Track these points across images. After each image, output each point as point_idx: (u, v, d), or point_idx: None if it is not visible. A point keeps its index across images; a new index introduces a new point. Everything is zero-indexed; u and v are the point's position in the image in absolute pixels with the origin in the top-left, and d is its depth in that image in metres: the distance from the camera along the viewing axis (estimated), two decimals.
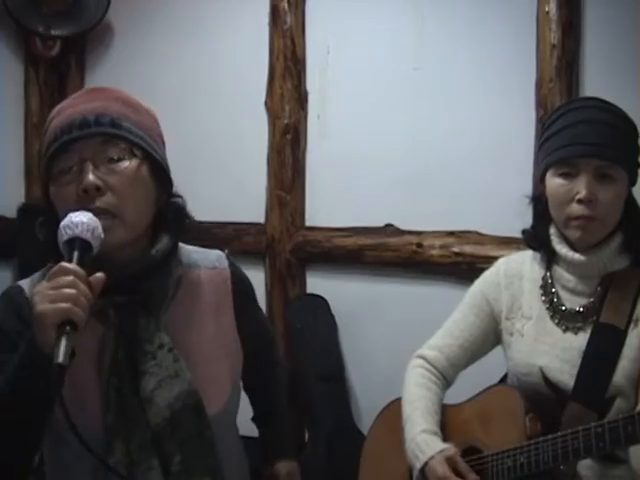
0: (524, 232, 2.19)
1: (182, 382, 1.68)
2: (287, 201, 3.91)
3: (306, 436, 3.74)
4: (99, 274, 1.49)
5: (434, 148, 3.62)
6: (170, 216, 1.77)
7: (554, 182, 2.03)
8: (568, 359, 2.04)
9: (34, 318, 1.43)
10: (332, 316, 3.84)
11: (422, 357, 2.31)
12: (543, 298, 2.13)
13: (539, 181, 2.13)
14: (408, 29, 3.67)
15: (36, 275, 1.79)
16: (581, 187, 1.98)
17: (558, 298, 2.10)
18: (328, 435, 3.60)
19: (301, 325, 3.81)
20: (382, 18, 3.72)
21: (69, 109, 1.68)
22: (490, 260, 2.37)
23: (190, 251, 1.87)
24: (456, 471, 2.04)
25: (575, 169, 2.00)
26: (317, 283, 3.94)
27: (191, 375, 1.69)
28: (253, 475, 1.97)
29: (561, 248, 2.07)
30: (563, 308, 2.09)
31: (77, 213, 1.54)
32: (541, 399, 2.07)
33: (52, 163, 1.66)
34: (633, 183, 2.07)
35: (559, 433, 1.93)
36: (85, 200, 1.60)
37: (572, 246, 2.06)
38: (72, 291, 1.42)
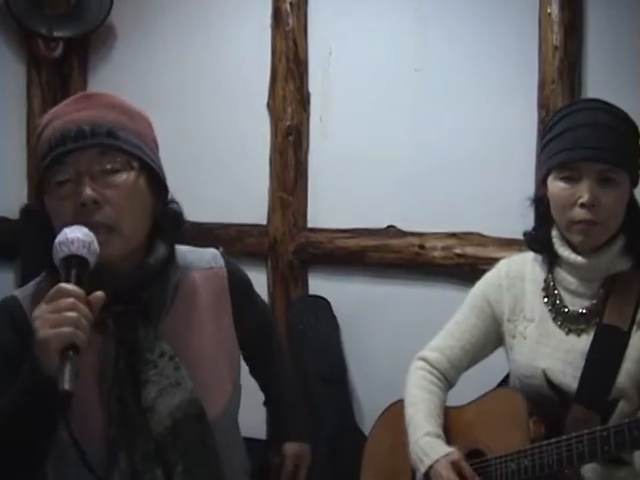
0: (525, 234, 2.19)
1: (183, 391, 1.67)
2: (289, 202, 3.91)
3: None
4: (98, 293, 1.47)
5: (436, 149, 3.62)
6: (166, 223, 1.75)
7: (556, 186, 2.03)
8: (571, 361, 2.03)
9: (36, 343, 1.41)
10: (334, 317, 3.84)
11: (424, 359, 2.31)
12: (545, 300, 2.13)
13: (540, 183, 2.12)
14: (410, 30, 3.67)
15: (31, 284, 1.78)
16: (583, 191, 1.97)
17: (560, 300, 2.10)
18: (330, 436, 3.60)
19: (303, 326, 3.81)
20: (384, 20, 3.73)
21: (63, 118, 1.65)
22: (492, 261, 2.37)
23: (185, 252, 1.84)
24: (461, 475, 2.03)
25: (577, 173, 1.99)
26: (319, 284, 3.94)
27: (192, 383, 1.69)
28: (254, 477, 1.97)
29: (563, 251, 2.06)
30: (566, 310, 2.08)
31: (72, 228, 1.52)
32: (544, 401, 2.06)
33: (47, 173, 1.63)
34: (635, 185, 2.06)
35: (563, 437, 1.93)
36: (83, 214, 1.59)
37: (574, 249, 2.05)
38: (73, 314, 1.41)
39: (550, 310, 2.11)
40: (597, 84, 3.30)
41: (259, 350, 2.00)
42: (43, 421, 1.50)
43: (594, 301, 2.05)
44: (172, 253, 1.76)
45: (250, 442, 1.95)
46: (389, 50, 3.72)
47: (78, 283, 1.46)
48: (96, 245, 1.52)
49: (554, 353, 2.07)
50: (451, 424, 2.22)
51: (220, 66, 4.07)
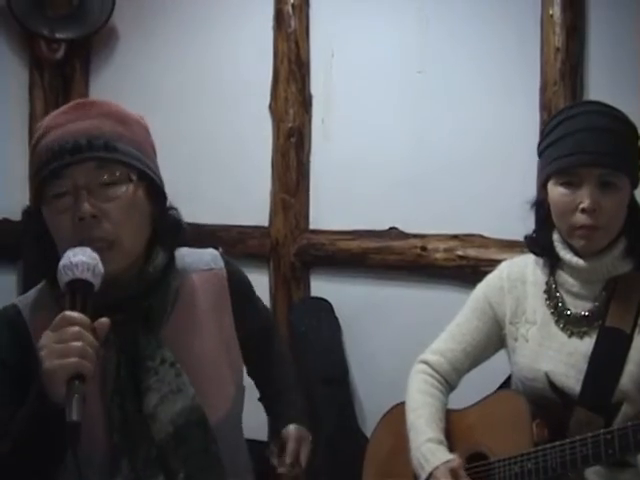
0: (526, 238, 2.18)
1: (185, 397, 1.67)
2: (291, 204, 3.91)
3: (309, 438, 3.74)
4: (104, 320, 1.47)
5: (438, 151, 3.62)
6: (166, 231, 1.74)
7: (556, 191, 2.02)
8: (573, 364, 2.03)
9: (43, 373, 1.41)
10: (336, 319, 3.84)
11: (425, 362, 2.31)
12: (547, 303, 2.13)
13: (540, 188, 2.12)
14: (412, 32, 3.67)
15: (32, 292, 1.77)
16: (584, 197, 1.96)
17: (562, 303, 2.10)
18: (331, 437, 3.59)
19: (305, 328, 3.81)
20: (386, 22, 3.73)
21: (59, 129, 1.62)
22: (494, 263, 2.37)
23: (183, 254, 1.83)
24: None
25: (577, 178, 1.98)
26: (321, 286, 3.94)
27: (194, 389, 1.68)
28: (258, 477, 1.97)
29: (565, 254, 2.06)
30: (568, 313, 2.08)
31: (75, 251, 1.51)
32: (546, 404, 2.06)
33: (44, 186, 1.61)
34: (635, 186, 2.06)
35: (567, 440, 1.93)
36: (81, 228, 1.58)
37: (576, 252, 2.05)
38: (78, 344, 1.40)
39: (552, 313, 2.11)
40: (599, 86, 3.30)
41: (258, 351, 1.99)
42: (50, 447, 1.50)
43: (596, 303, 2.05)
44: (172, 259, 1.75)
45: (252, 444, 1.95)
46: (391, 52, 3.72)
47: (83, 308, 1.46)
48: (101, 267, 1.52)
49: (557, 356, 2.07)
50: (453, 427, 2.22)
51: (222, 68, 4.07)
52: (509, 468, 2.03)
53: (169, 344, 1.70)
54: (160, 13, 4.22)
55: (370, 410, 3.69)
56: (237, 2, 4.05)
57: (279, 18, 3.91)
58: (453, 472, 2.03)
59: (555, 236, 2.09)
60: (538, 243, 2.15)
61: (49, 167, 1.59)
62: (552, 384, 2.06)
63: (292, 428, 1.96)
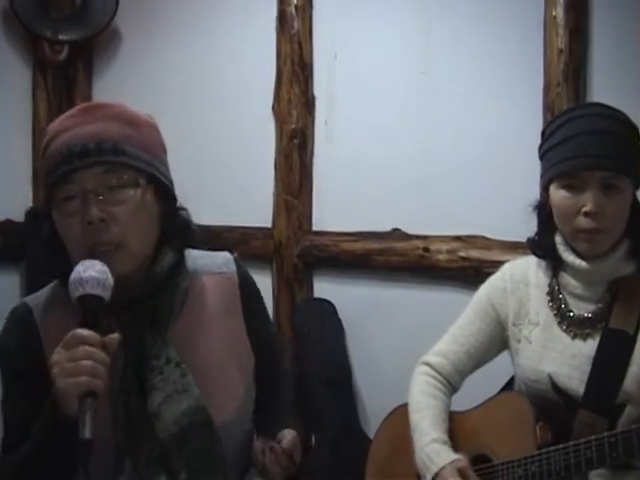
0: (529, 240, 2.18)
1: (190, 398, 1.67)
2: (294, 205, 3.91)
3: (312, 440, 3.73)
4: (114, 335, 1.50)
5: (441, 152, 3.62)
6: (174, 232, 1.75)
7: (559, 195, 2.02)
8: (577, 365, 2.03)
9: (55, 391, 1.45)
10: (339, 320, 3.84)
11: (427, 364, 2.31)
12: (550, 304, 2.13)
13: (542, 190, 2.12)
14: (416, 33, 3.67)
15: (44, 291, 1.79)
16: (587, 200, 1.96)
17: (565, 304, 2.10)
18: (334, 439, 3.59)
19: (308, 329, 3.80)
20: (389, 23, 3.72)
21: (67, 132, 1.63)
22: (497, 265, 2.37)
23: (195, 257, 1.84)
24: None
25: (579, 182, 1.98)
26: (324, 287, 3.94)
27: (199, 389, 1.68)
28: None
29: (567, 256, 2.06)
30: (571, 315, 2.08)
31: (86, 265, 1.54)
32: (550, 405, 2.06)
33: (53, 189, 1.63)
34: (637, 187, 2.06)
35: (571, 442, 1.93)
36: (90, 232, 1.60)
37: (578, 254, 2.05)
38: (89, 363, 1.44)
39: (555, 315, 2.11)
40: (602, 87, 3.30)
41: (260, 362, 1.96)
42: (63, 459, 1.53)
43: (599, 305, 2.05)
44: (181, 260, 1.76)
45: None
46: (395, 53, 3.72)
47: (94, 323, 1.49)
48: (111, 280, 1.54)
49: (560, 357, 2.06)
50: (456, 429, 2.22)
51: (225, 69, 4.07)
52: (513, 471, 2.03)
53: (176, 344, 1.70)
54: (163, 15, 4.22)
55: (373, 411, 3.68)
56: (240, 3, 4.05)
57: (282, 19, 3.91)
58: (461, 471, 2.03)
59: (558, 238, 2.08)
60: (541, 245, 2.14)
61: (58, 171, 1.61)
62: (555, 386, 2.06)
63: (287, 432, 1.95)
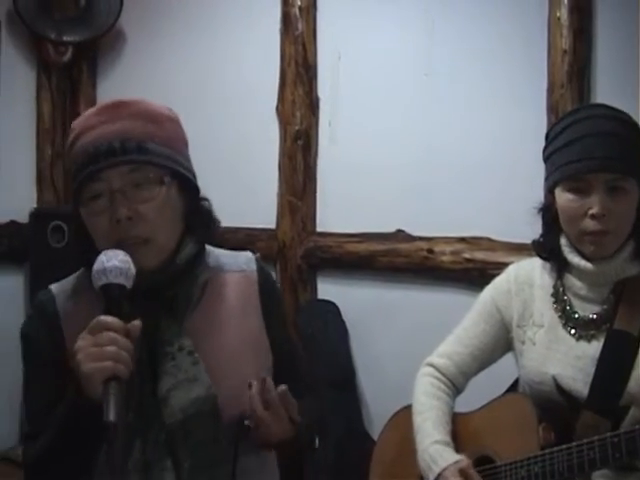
0: (534, 242, 2.18)
1: (200, 387, 1.70)
2: (298, 207, 3.92)
3: (316, 441, 3.74)
4: (136, 322, 1.53)
5: (445, 153, 3.62)
6: (197, 224, 1.80)
7: (564, 198, 2.02)
8: (581, 367, 2.02)
9: (80, 376, 1.49)
10: (343, 322, 3.84)
11: (431, 365, 2.30)
12: (555, 306, 2.12)
13: (547, 192, 2.11)
14: (419, 35, 3.67)
15: (71, 278, 1.84)
16: (593, 203, 1.96)
17: (570, 306, 2.09)
18: (338, 440, 3.59)
19: (312, 330, 3.80)
20: (393, 24, 3.73)
21: (93, 131, 1.68)
22: (501, 266, 2.36)
23: (218, 255, 1.89)
24: None
25: (585, 184, 1.98)
26: (328, 289, 3.94)
27: (210, 380, 1.71)
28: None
29: (573, 257, 2.05)
30: (576, 316, 2.07)
31: (109, 255, 1.58)
32: (554, 407, 2.05)
33: (80, 188, 1.68)
34: None
35: (574, 443, 1.92)
36: (118, 230, 1.65)
37: (584, 255, 2.04)
38: (113, 349, 1.48)
39: (560, 316, 2.10)
40: (606, 88, 3.29)
41: (280, 359, 1.94)
42: (86, 442, 1.57)
43: (604, 306, 2.04)
44: (201, 252, 1.81)
45: None
46: (398, 55, 3.72)
47: (118, 310, 1.53)
48: (133, 270, 1.58)
49: (564, 359, 2.06)
50: (459, 430, 2.21)
51: (230, 70, 4.08)
52: (516, 472, 2.02)
53: (191, 335, 1.74)
54: (167, 16, 4.23)
55: (377, 412, 3.68)
56: (245, 5, 4.05)
57: (286, 21, 3.91)
58: (463, 472, 2.03)
59: (563, 240, 2.08)
60: (545, 247, 2.14)
61: (85, 171, 1.66)
62: (559, 387, 2.05)
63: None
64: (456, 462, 2.05)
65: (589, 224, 1.97)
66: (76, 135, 1.71)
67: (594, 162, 1.95)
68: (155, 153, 1.68)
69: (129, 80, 4.31)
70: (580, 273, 2.06)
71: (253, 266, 1.90)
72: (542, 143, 2.16)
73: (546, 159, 2.11)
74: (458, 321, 2.32)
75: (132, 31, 4.32)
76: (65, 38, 4.18)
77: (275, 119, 3.97)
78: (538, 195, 2.18)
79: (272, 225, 3.99)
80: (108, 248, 1.62)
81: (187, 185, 1.78)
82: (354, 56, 3.82)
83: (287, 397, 1.68)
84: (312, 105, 3.91)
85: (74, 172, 1.70)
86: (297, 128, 3.90)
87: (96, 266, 1.57)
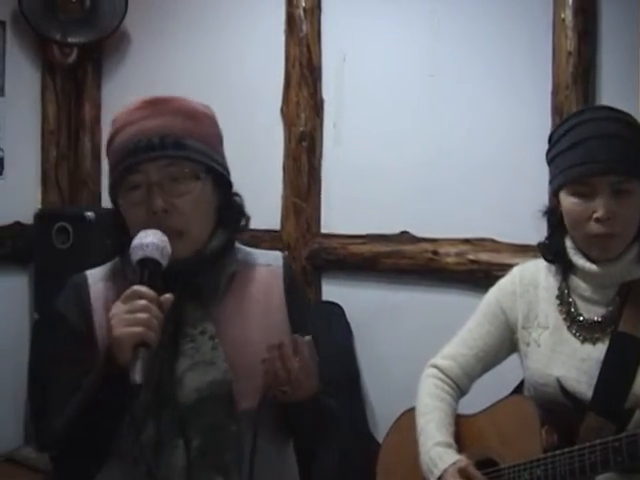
0: (539, 245, 2.18)
1: (217, 371, 1.75)
2: (303, 208, 3.91)
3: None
4: (168, 295, 1.61)
5: (449, 155, 3.62)
6: (229, 217, 1.88)
7: (569, 201, 2.01)
8: (586, 370, 2.02)
9: (112, 340, 1.56)
10: (347, 323, 3.83)
11: (436, 366, 2.30)
12: (560, 308, 2.12)
13: (552, 195, 2.11)
14: (424, 36, 3.67)
15: (106, 266, 1.91)
16: (598, 206, 1.95)
17: (575, 308, 2.09)
18: (342, 442, 3.58)
19: (316, 332, 3.79)
20: (398, 26, 3.73)
21: (133, 126, 1.76)
22: (506, 268, 2.36)
23: (249, 251, 1.97)
24: None
25: (590, 188, 1.97)
26: (332, 290, 3.94)
27: (228, 366, 1.75)
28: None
29: (578, 259, 2.05)
30: (580, 319, 2.07)
31: (147, 232, 1.67)
32: (558, 409, 2.05)
33: (120, 180, 1.77)
34: None
35: (576, 447, 1.92)
36: (154, 220, 1.72)
37: (589, 257, 2.04)
38: (145, 315, 1.55)
39: (565, 319, 2.10)
40: (610, 90, 3.29)
41: None
42: (113, 409, 1.64)
43: (609, 309, 2.04)
44: (230, 244, 1.88)
45: None
46: (403, 56, 3.72)
47: (151, 284, 1.61)
48: (169, 249, 1.68)
49: (569, 361, 2.05)
50: (463, 432, 2.21)
51: (234, 72, 4.08)
52: (519, 475, 2.02)
53: (214, 322, 1.79)
54: (172, 17, 4.24)
55: (381, 414, 3.68)
56: (249, 6, 4.06)
57: (291, 22, 3.92)
58: (462, 471, 2.02)
59: (568, 243, 2.07)
60: (551, 250, 2.13)
61: (125, 163, 1.75)
62: (564, 389, 2.05)
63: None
64: (455, 462, 2.05)
65: (595, 227, 1.97)
66: (117, 129, 1.79)
67: (598, 165, 1.95)
68: (192, 149, 1.76)
69: (134, 81, 4.32)
70: (585, 275, 2.06)
71: (280, 262, 1.97)
72: (546, 145, 2.16)
73: (549, 162, 2.10)
74: (462, 322, 2.32)
75: (137, 32, 4.32)
76: (70, 39, 4.19)
77: (279, 120, 3.97)
78: (542, 196, 2.18)
79: (276, 226, 3.98)
80: None
81: (221, 180, 1.86)
82: (359, 57, 3.82)
83: (313, 348, 1.74)
84: (317, 106, 3.91)
85: (114, 164, 1.78)
86: (301, 129, 3.90)
87: (134, 242, 1.65)
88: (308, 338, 1.72)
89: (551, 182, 2.09)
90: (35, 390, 3.90)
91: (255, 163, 4.02)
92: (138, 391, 1.54)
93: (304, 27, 3.88)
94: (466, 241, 3.57)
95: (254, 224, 4.12)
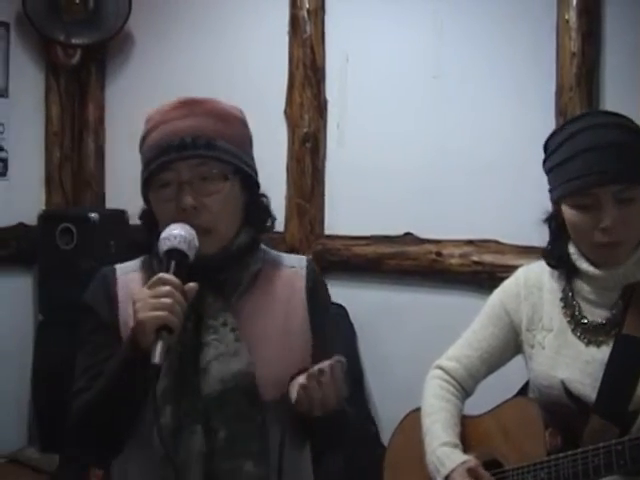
0: (543, 251, 2.16)
1: (240, 362, 1.78)
2: (306, 209, 3.92)
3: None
4: (192, 284, 1.67)
5: (453, 156, 3.62)
6: (255, 217, 1.93)
7: (572, 213, 2.00)
8: (590, 372, 2.02)
9: (136, 323, 1.62)
10: (351, 324, 3.83)
11: (441, 368, 2.30)
12: (564, 310, 2.11)
13: (553, 203, 2.10)
14: (428, 37, 3.67)
15: (136, 261, 1.96)
16: (604, 216, 1.93)
17: (579, 311, 2.08)
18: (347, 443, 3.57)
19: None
20: (401, 27, 3.73)
21: (166, 125, 1.82)
22: (510, 269, 2.36)
23: (274, 253, 2.01)
24: None
25: (592, 199, 1.95)
26: (336, 291, 3.88)
27: (251, 357, 1.78)
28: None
29: (581, 264, 2.04)
30: (585, 321, 2.06)
31: (176, 225, 1.73)
32: (562, 411, 2.05)
33: (152, 176, 1.82)
34: None
35: (579, 450, 1.91)
36: (183, 217, 1.77)
37: (592, 261, 2.03)
38: (169, 300, 1.60)
39: (569, 321, 2.09)
40: (614, 91, 3.29)
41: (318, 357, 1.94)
42: (137, 389, 1.66)
43: (613, 311, 2.03)
44: (255, 243, 1.93)
45: None
46: (407, 57, 3.72)
47: (177, 273, 1.66)
48: (196, 242, 1.73)
49: (573, 364, 2.05)
50: (468, 433, 2.21)
51: (237, 73, 4.08)
52: (523, 477, 2.02)
53: (236, 316, 1.83)
54: (176, 18, 4.24)
55: (385, 415, 3.68)
56: (253, 8, 4.06)
57: (294, 23, 3.92)
58: (471, 471, 2.02)
59: (571, 248, 2.06)
60: (554, 255, 2.12)
61: (157, 161, 1.80)
62: (568, 392, 2.04)
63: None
64: (463, 462, 2.05)
65: (600, 237, 1.95)
66: (151, 128, 1.85)
67: (598, 176, 1.92)
68: (222, 150, 1.81)
69: (137, 82, 4.32)
70: (589, 278, 2.05)
71: (304, 264, 2.01)
72: None
73: (547, 172, 2.08)
74: (467, 324, 2.32)
75: (140, 34, 4.32)
76: (74, 40, 4.19)
77: (283, 122, 3.97)
78: (546, 198, 2.17)
79: (280, 228, 3.97)
80: None
81: (249, 181, 1.90)
82: (362, 58, 3.82)
83: (338, 370, 1.76)
84: (320, 108, 3.91)
85: (147, 161, 1.83)
86: (305, 131, 3.90)
87: (163, 234, 1.71)
88: (341, 359, 1.75)
89: (551, 192, 2.08)
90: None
91: (258, 164, 3.98)
92: (157, 373, 1.57)
93: (308, 28, 3.88)
94: (470, 242, 3.57)
95: None
